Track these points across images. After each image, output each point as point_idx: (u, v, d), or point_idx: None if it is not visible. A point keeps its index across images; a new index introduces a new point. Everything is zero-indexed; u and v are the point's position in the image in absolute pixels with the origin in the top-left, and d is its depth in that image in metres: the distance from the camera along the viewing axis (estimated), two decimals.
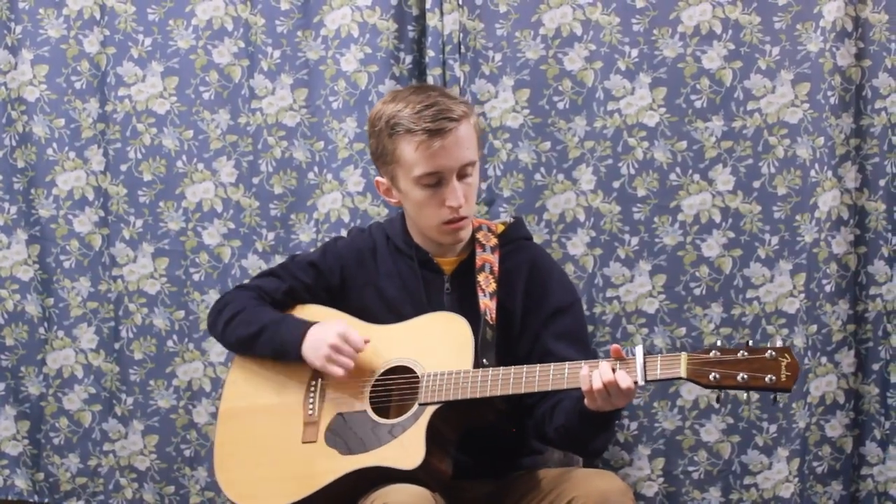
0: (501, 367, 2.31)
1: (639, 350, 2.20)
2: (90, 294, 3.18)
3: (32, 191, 3.17)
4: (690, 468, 3.03)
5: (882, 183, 2.98)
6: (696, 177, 2.99)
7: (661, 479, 3.03)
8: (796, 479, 3.00)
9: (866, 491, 3.04)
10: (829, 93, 2.94)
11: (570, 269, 2.98)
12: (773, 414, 2.99)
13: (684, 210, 3.00)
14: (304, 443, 2.40)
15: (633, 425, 3.02)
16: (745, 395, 2.17)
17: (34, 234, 3.18)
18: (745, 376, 2.11)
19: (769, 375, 2.09)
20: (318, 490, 2.33)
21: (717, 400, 2.21)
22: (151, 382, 3.17)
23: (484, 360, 2.35)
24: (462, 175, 2.40)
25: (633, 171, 3.00)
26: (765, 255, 2.98)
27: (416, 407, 2.34)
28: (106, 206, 3.17)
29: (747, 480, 3.01)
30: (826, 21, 2.93)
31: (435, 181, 2.38)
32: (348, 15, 3.06)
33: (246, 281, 2.84)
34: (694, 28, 2.97)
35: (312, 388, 2.45)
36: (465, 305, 2.45)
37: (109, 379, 3.18)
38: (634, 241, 3.01)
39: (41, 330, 3.19)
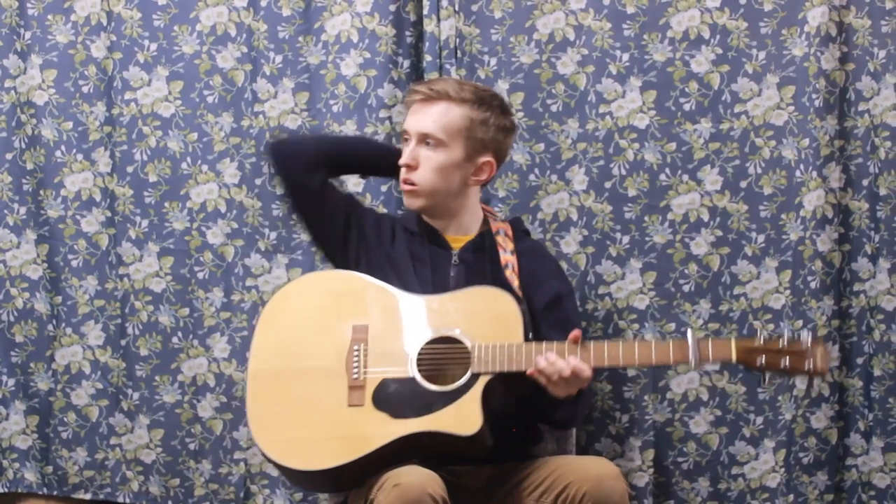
0: (550, 343, 2.40)
1: (690, 334, 2.35)
2: (97, 292, 3.21)
3: (41, 192, 3.21)
4: (680, 459, 3.08)
5: (865, 183, 3.02)
6: (685, 177, 3.04)
7: (652, 470, 3.07)
8: (782, 470, 3.04)
9: (850, 481, 3.08)
10: (814, 95, 2.99)
11: (563, 266, 3.00)
12: (760, 406, 3.04)
13: (674, 209, 3.05)
14: (350, 406, 2.41)
15: (625, 418, 3.07)
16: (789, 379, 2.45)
17: (43, 233, 3.22)
18: (787, 363, 2.35)
19: (808, 361, 2.34)
20: (370, 453, 2.36)
21: (763, 381, 2.40)
22: (157, 378, 3.20)
23: (529, 335, 2.45)
24: (425, 144, 2.58)
25: (624, 172, 3.05)
26: (752, 253, 3.03)
27: (468, 376, 2.39)
28: (112, 207, 3.20)
29: (735, 471, 3.06)
30: (811, 26, 2.98)
31: (405, 140, 2.61)
32: (348, 21, 3.10)
33: None
34: (683, 33, 3.02)
35: (356, 353, 2.46)
36: (472, 279, 2.56)
37: (116, 375, 3.22)
38: (625, 239, 3.06)
39: (50, 327, 3.22)
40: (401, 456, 2.35)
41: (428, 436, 2.36)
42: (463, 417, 2.35)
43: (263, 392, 2.50)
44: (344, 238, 2.64)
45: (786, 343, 2.37)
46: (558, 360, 2.34)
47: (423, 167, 2.58)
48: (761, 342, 2.38)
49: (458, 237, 2.66)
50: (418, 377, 2.43)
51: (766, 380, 2.41)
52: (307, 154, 2.67)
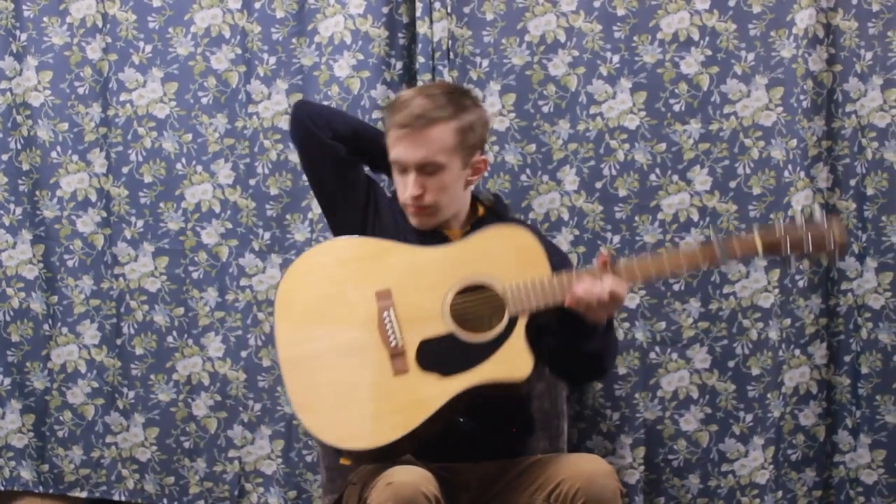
0: (580, 271, 2.39)
1: (713, 233, 2.38)
2: (93, 292, 3.23)
3: (37, 192, 3.22)
4: (670, 456, 3.10)
5: (852, 183, 3.05)
6: (675, 177, 3.06)
7: (643, 468, 3.09)
8: (771, 466, 3.07)
9: (838, 477, 3.11)
10: (802, 97, 3.02)
11: None
12: (750, 404, 3.06)
13: (664, 209, 3.07)
14: (396, 375, 2.35)
15: (616, 416, 3.09)
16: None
17: (39, 234, 3.23)
18: (811, 244, 2.40)
19: (829, 238, 2.40)
20: (430, 416, 2.32)
21: (788, 266, 2.51)
22: (152, 377, 3.22)
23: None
24: (425, 171, 2.49)
25: (614, 172, 3.07)
26: None
27: (506, 320, 2.38)
28: (108, 207, 3.21)
29: (725, 468, 3.08)
30: (799, 28, 3.01)
31: (400, 169, 2.52)
32: (341, 23, 3.12)
33: None
34: (672, 35, 3.05)
35: (388, 321, 2.39)
36: None
37: (111, 374, 3.23)
38: (616, 239, 3.08)
39: (46, 326, 3.24)
40: (456, 410, 2.35)
41: (482, 387, 2.35)
42: (513, 362, 2.35)
43: (303, 378, 2.39)
44: (364, 212, 2.59)
45: (804, 226, 2.41)
46: (595, 285, 2.32)
47: (430, 192, 2.51)
48: (782, 231, 2.40)
49: (455, 231, 2.62)
50: (457, 331, 2.38)
51: (791, 265, 2.47)
52: (337, 122, 2.61)
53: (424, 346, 2.37)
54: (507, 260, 2.40)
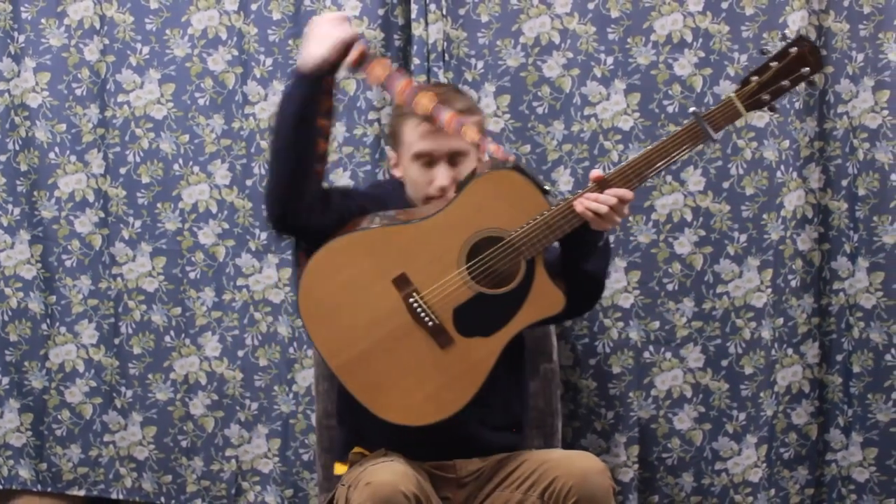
0: (576, 193, 2.42)
1: (693, 112, 2.37)
2: (91, 292, 3.24)
3: (35, 193, 3.24)
4: (664, 455, 3.12)
5: (844, 183, 3.07)
6: (669, 178, 3.08)
7: (637, 466, 3.11)
8: (764, 465, 3.09)
9: (830, 475, 3.13)
10: (794, 98, 3.03)
11: None
12: (743, 403, 3.09)
13: (657, 209, 3.09)
14: (443, 349, 2.41)
15: (610, 414, 3.11)
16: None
17: (37, 234, 3.25)
18: (788, 81, 2.35)
19: (804, 68, 2.34)
20: (489, 373, 2.41)
21: (774, 109, 2.41)
22: (150, 376, 3.24)
23: (546, 187, 2.44)
24: (453, 162, 2.54)
25: None
26: (734, 252, 3.07)
27: (524, 266, 2.41)
28: (106, 208, 3.23)
29: (718, 466, 3.10)
30: (791, 30, 3.02)
31: (427, 161, 2.54)
32: None
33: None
34: (666, 37, 3.06)
35: (415, 303, 2.40)
36: None
37: (109, 373, 3.25)
38: (610, 239, 3.05)
39: (44, 326, 3.26)
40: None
41: (526, 330, 2.45)
42: (546, 299, 2.41)
43: (363, 378, 2.44)
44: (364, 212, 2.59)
45: (776, 62, 2.35)
46: (599, 195, 2.37)
47: (454, 183, 2.54)
48: (755, 80, 2.35)
49: None
50: (483, 290, 2.42)
51: (777, 110, 2.45)
52: (279, 169, 2.43)
53: (459, 314, 2.42)
54: (503, 206, 2.42)
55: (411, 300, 2.41)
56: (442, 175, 2.53)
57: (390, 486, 2.25)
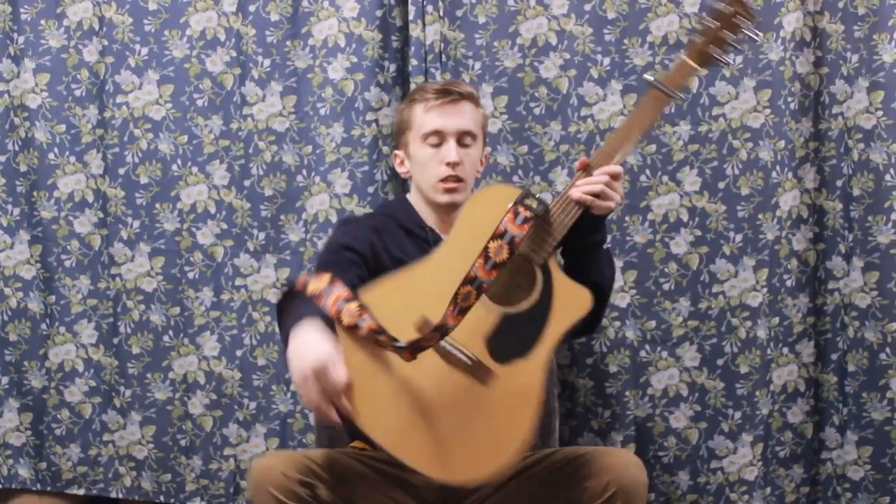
0: (558, 197, 2.43)
1: (649, 78, 2.45)
2: (90, 292, 3.25)
3: (34, 193, 3.24)
4: (661, 453, 3.13)
5: (839, 183, 3.09)
6: (665, 178, 3.10)
7: None
8: (760, 463, 3.11)
9: (826, 474, 3.14)
10: (790, 98, 3.06)
11: None
12: (738, 401, 3.10)
13: (654, 210, 3.11)
14: (487, 384, 2.28)
15: (607, 413, 3.12)
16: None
17: (36, 234, 3.25)
18: (729, 33, 2.46)
19: (738, 15, 2.44)
20: (540, 394, 2.30)
21: (727, 65, 2.52)
22: (148, 375, 3.24)
23: (531, 199, 2.37)
24: (462, 143, 2.62)
25: None
26: (729, 252, 3.09)
27: (538, 272, 2.38)
28: (105, 208, 3.24)
29: (714, 464, 3.12)
30: (786, 31, 3.05)
31: (437, 141, 2.61)
32: (335, 26, 3.14)
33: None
34: (662, 38, 3.08)
35: (445, 346, 2.28)
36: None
37: (108, 372, 3.26)
38: (607, 239, 3.09)
39: (43, 326, 3.26)
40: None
41: (564, 337, 2.39)
42: (573, 301, 2.39)
43: (418, 446, 2.25)
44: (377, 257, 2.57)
45: (714, 22, 2.45)
46: (590, 178, 2.42)
47: (466, 163, 2.62)
48: (699, 37, 2.47)
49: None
50: (506, 309, 2.35)
51: (729, 64, 2.56)
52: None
53: (490, 343, 2.33)
54: (498, 218, 2.34)
55: (441, 345, 2.28)
56: (452, 151, 2.59)
57: (266, 468, 2.29)
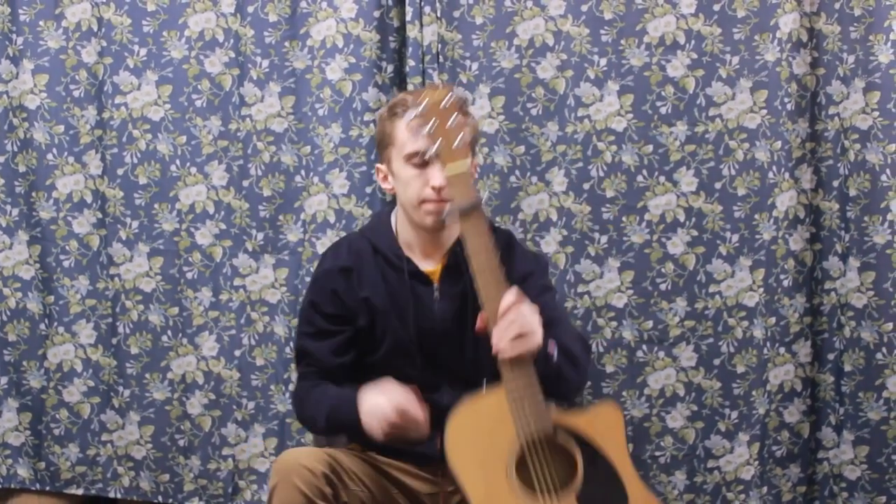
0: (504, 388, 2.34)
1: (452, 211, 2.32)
2: (89, 292, 3.26)
3: (33, 194, 3.25)
4: (657, 453, 3.14)
5: (836, 184, 3.10)
6: (662, 178, 3.10)
7: None
8: (757, 463, 3.11)
9: (822, 473, 3.15)
10: (786, 99, 3.07)
11: None
12: (735, 401, 3.11)
13: (650, 210, 3.11)
14: None
15: None
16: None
17: (35, 235, 3.26)
18: (448, 118, 2.33)
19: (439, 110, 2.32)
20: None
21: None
22: (147, 376, 3.25)
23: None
24: None
25: (602, 174, 3.11)
26: (726, 252, 3.10)
27: (559, 435, 2.28)
28: (103, 209, 3.24)
29: (711, 464, 3.13)
30: (782, 32, 3.06)
31: (421, 161, 2.41)
32: (333, 26, 3.15)
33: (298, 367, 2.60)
34: (659, 38, 3.09)
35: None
36: (454, 312, 2.46)
37: (107, 372, 3.26)
38: (604, 239, 3.12)
39: (42, 326, 3.27)
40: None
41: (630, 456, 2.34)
42: (607, 424, 2.30)
43: None
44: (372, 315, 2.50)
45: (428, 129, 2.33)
46: (499, 332, 2.23)
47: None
48: (441, 147, 2.31)
49: (436, 267, 2.51)
50: (575, 488, 2.26)
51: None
52: (316, 422, 2.46)
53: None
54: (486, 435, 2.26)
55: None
56: (437, 175, 2.39)
57: (293, 460, 2.30)
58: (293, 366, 3.18)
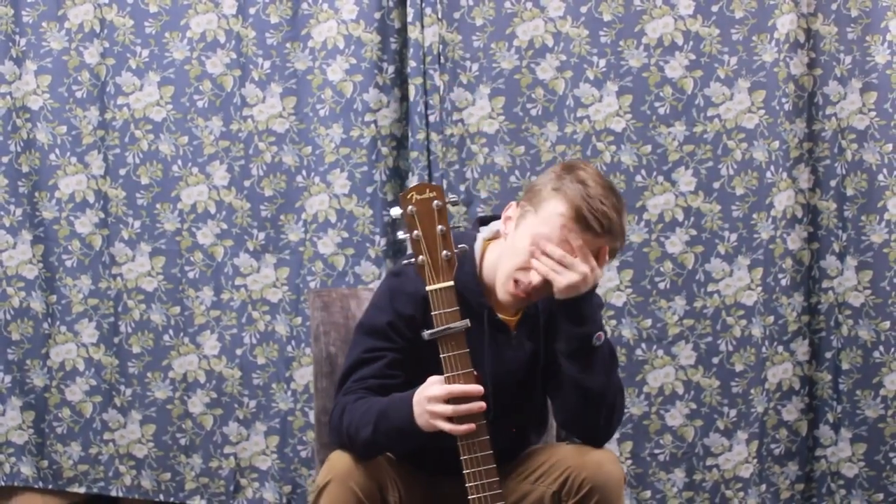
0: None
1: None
2: (91, 291, 3.27)
3: (36, 194, 3.27)
4: (657, 451, 3.16)
5: (833, 183, 3.12)
6: (661, 178, 3.12)
7: (630, 462, 3.16)
8: (755, 461, 3.13)
9: (820, 471, 3.18)
10: (784, 100, 3.09)
11: None
12: (733, 399, 3.13)
13: (649, 209, 3.13)
14: None
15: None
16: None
17: (38, 234, 3.28)
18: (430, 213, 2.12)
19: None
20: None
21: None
22: (149, 375, 3.27)
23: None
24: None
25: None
26: (724, 252, 3.12)
27: None
28: (106, 209, 3.26)
29: (709, 462, 3.15)
30: (780, 33, 3.08)
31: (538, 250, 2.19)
32: (334, 28, 3.17)
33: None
34: (657, 40, 3.11)
35: None
36: (528, 359, 2.34)
37: (109, 371, 3.28)
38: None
39: (45, 325, 3.29)
40: None
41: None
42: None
43: None
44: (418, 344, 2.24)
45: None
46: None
47: (546, 293, 2.24)
48: (423, 258, 2.11)
49: (514, 316, 2.34)
50: None
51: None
52: (361, 454, 2.24)
53: None
54: None
55: None
56: (538, 275, 2.18)
57: (350, 461, 2.21)
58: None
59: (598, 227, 2.16)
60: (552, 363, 2.32)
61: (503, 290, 2.24)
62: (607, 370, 2.28)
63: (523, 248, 2.20)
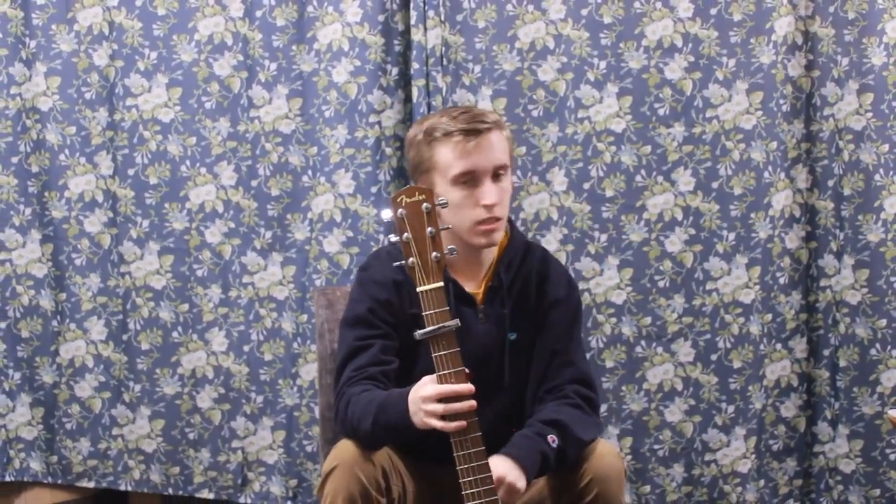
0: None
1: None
2: (100, 289, 3.30)
3: (46, 194, 3.30)
4: (656, 446, 3.19)
5: (830, 183, 3.15)
6: (660, 178, 3.15)
7: (629, 457, 3.18)
8: (753, 456, 3.16)
9: (818, 467, 3.21)
10: (782, 101, 3.12)
11: None
12: (732, 396, 3.16)
13: (649, 209, 3.16)
14: None
15: (603, 407, 3.17)
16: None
17: (48, 233, 3.31)
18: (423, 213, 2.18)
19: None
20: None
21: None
22: (157, 371, 3.30)
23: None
24: (496, 177, 2.34)
25: (601, 174, 3.16)
26: (723, 250, 3.15)
27: None
28: (114, 208, 3.29)
29: (708, 457, 3.17)
30: (778, 35, 3.11)
31: (469, 180, 2.31)
32: (339, 30, 3.20)
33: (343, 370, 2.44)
34: (657, 42, 3.13)
35: None
36: (497, 335, 2.40)
37: (118, 368, 3.31)
38: (603, 237, 3.17)
39: (54, 323, 3.32)
40: None
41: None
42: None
43: None
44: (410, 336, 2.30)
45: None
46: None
47: (503, 199, 2.36)
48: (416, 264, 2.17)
49: (479, 289, 2.42)
50: None
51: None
52: (367, 444, 2.30)
53: None
54: None
55: None
56: (490, 193, 2.30)
57: (356, 449, 2.26)
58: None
59: (478, 122, 2.32)
60: (522, 339, 2.40)
61: (476, 239, 2.35)
62: (577, 443, 2.32)
63: (455, 197, 2.31)
